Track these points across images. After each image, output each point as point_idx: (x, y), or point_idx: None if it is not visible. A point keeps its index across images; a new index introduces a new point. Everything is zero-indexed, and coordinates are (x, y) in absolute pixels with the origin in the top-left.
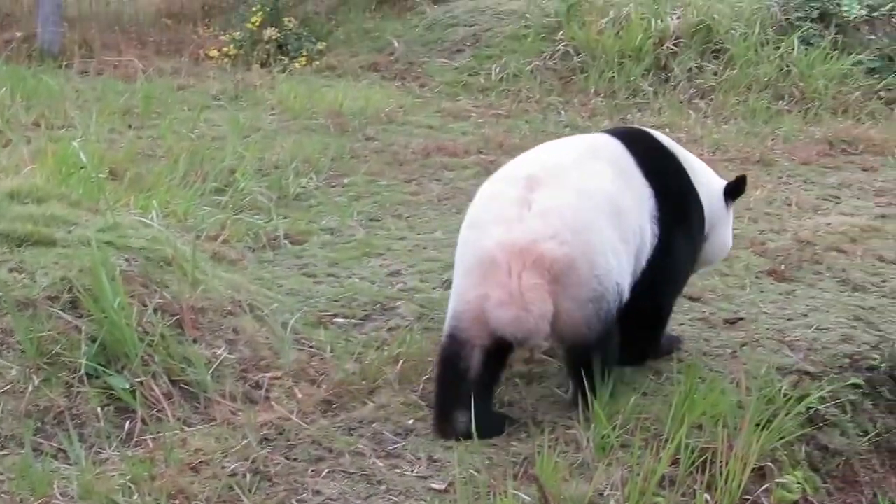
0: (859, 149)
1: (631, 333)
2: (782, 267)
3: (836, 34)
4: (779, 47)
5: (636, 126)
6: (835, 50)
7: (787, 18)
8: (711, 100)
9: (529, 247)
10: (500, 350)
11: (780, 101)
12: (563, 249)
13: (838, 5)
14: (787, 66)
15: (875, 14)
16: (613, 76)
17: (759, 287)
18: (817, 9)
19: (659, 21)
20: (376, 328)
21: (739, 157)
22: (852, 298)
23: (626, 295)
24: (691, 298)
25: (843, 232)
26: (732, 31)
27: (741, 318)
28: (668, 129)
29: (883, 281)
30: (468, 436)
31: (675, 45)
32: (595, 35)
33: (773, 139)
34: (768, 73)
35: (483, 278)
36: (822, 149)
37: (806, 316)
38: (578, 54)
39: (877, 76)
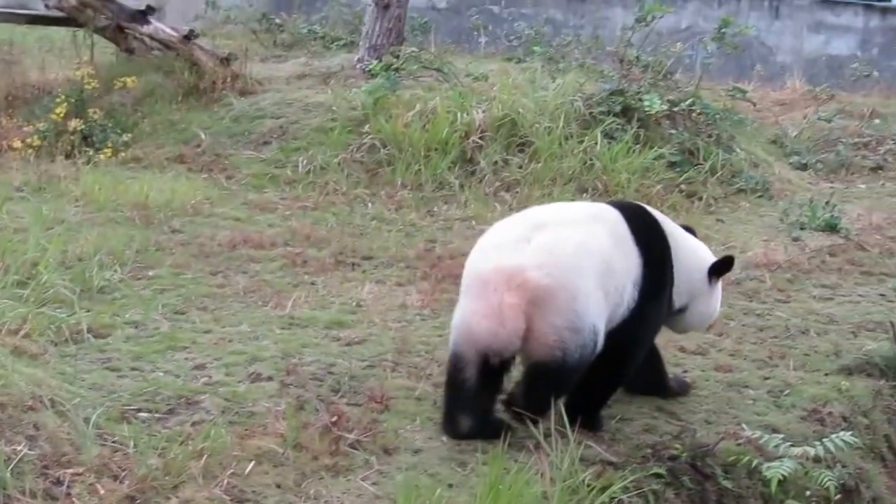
0: None
1: (587, 383)
2: None
3: (638, 128)
4: (583, 141)
5: (636, 202)
6: (637, 144)
7: (591, 113)
8: (517, 192)
9: (517, 272)
10: (488, 364)
11: (585, 194)
12: (545, 279)
13: (640, 100)
14: (591, 160)
15: (676, 109)
16: (420, 169)
17: None
18: (620, 104)
19: (465, 114)
20: (180, 422)
21: None
22: None
23: (601, 341)
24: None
25: None
26: (537, 125)
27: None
28: (473, 222)
29: (684, 372)
30: (470, 437)
31: (480, 138)
32: (402, 128)
33: None
34: (572, 166)
35: (476, 297)
36: None
37: (609, 407)
38: (385, 147)
39: (678, 169)
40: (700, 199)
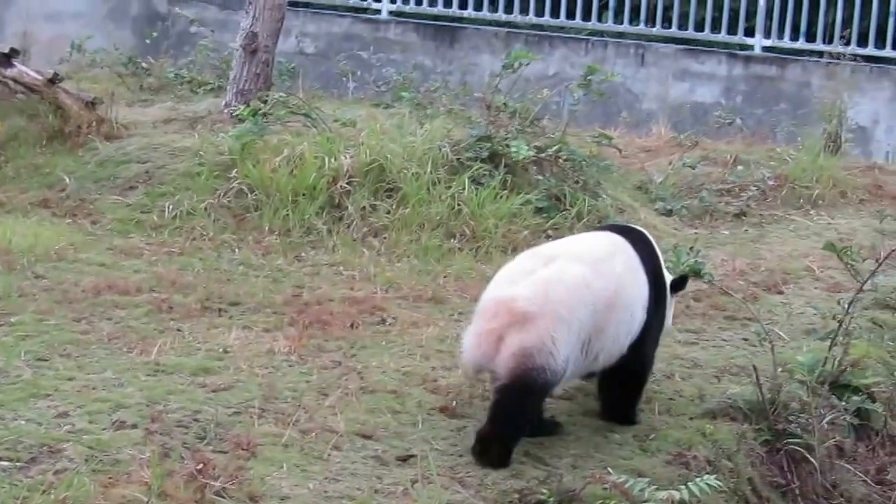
0: None
1: (619, 394)
2: (454, 403)
3: (505, 174)
4: (450, 186)
5: (637, 227)
6: (504, 189)
7: (459, 158)
8: (385, 238)
9: (508, 302)
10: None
11: (452, 240)
12: (529, 307)
13: (507, 146)
14: (459, 205)
15: (542, 155)
16: (288, 214)
17: (430, 423)
18: (488, 150)
19: (333, 160)
20: (42, 471)
21: (412, 295)
22: None
23: (568, 372)
24: (364, 436)
25: None
26: (405, 171)
27: (413, 456)
28: (341, 267)
29: (551, 416)
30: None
31: (348, 183)
32: (269, 173)
33: (445, 277)
34: (440, 211)
35: (474, 322)
36: None
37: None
38: (253, 192)
39: (545, 215)
40: None
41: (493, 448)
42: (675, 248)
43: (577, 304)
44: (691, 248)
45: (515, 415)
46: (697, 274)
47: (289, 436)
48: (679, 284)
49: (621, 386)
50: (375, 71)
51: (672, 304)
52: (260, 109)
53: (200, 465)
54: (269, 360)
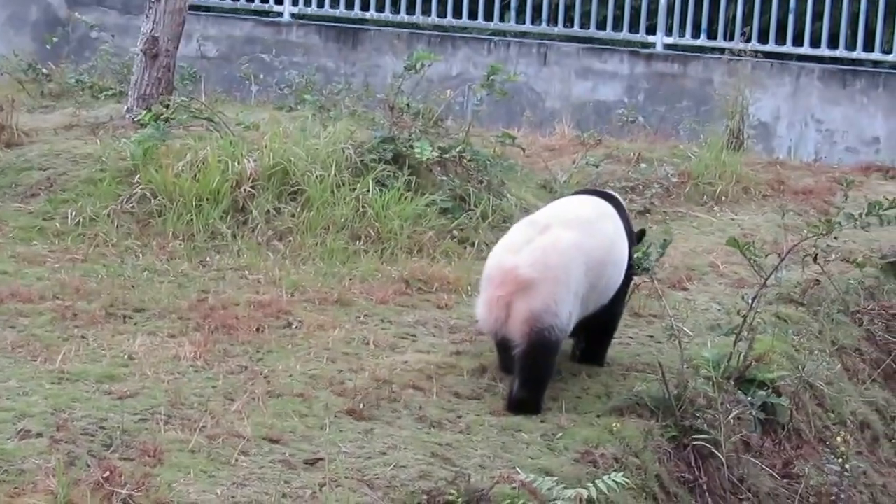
0: (434, 287)
1: (599, 338)
2: (361, 406)
3: (409, 175)
4: (354, 188)
5: (613, 193)
6: (409, 191)
7: (363, 160)
8: (290, 241)
9: (512, 270)
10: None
11: (357, 242)
12: (531, 273)
13: (411, 148)
14: (363, 207)
15: (446, 156)
16: (192, 219)
17: (338, 426)
18: (391, 151)
19: (236, 164)
20: None
21: (318, 298)
22: (429, 435)
23: (571, 325)
24: (271, 440)
25: (419, 370)
26: (309, 174)
27: (321, 459)
28: (246, 271)
29: (458, 417)
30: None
31: (252, 187)
32: (172, 178)
33: (350, 279)
34: (345, 213)
35: (482, 290)
36: (398, 288)
37: (384, 454)
38: (156, 197)
39: (449, 216)
40: (472, 244)
41: (527, 405)
42: None
43: (572, 266)
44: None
45: (538, 373)
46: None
47: (195, 441)
48: (638, 238)
49: (601, 332)
50: (278, 74)
51: None
52: (162, 114)
53: (107, 473)
54: (174, 366)
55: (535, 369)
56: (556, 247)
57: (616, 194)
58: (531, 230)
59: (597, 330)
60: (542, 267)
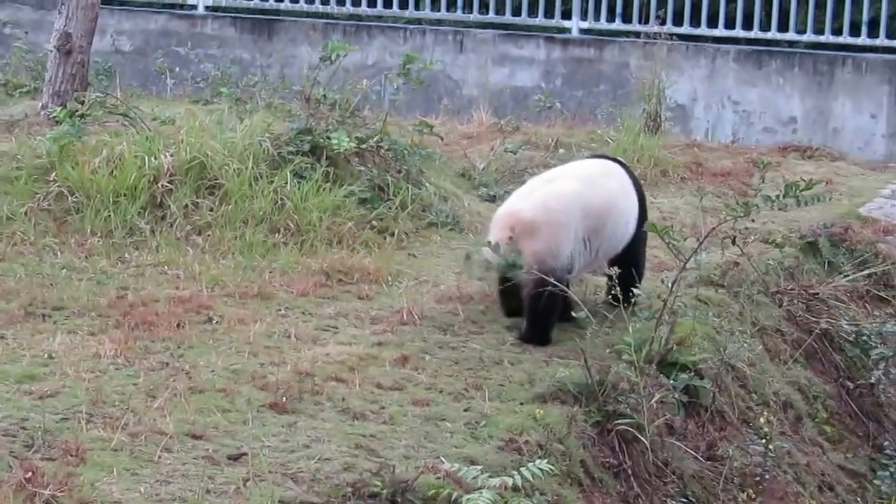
0: (355, 278)
1: (623, 284)
2: (283, 399)
3: (327, 167)
4: (273, 181)
5: (619, 158)
6: (327, 182)
7: (280, 153)
8: (209, 235)
9: (515, 213)
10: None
11: (277, 234)
12: (531, 216)
13: (328, 139)
14: (282, 200)
15: (364, 146)
16: (109, 215)
17: (261, 421)
18: (309, 143)
19: (153, 159)
20: None
21: (238, 292)
22: (353, 427)
23: (578, 265)
24: (194, 436)
25: (341, 361)
26: (226, 167)
27: (244, 454)
28: (166, 267)
29: (381, 408)
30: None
31: (170, 182)
32: (89, 175)
33: (270, 272)
34: (263, 206)
35: (491, 232)
36: (318, 280)
37: (308, 447)
38: (73, 195)
39: (368, 206)
40: (392, 234)
41: (535, 340)
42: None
43: (571, 211)
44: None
45: (545, 309)
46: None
47: (118, 440)
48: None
49: (624, 278)
50: (194, 67)
51: None
52: (77, 111)
53: (29, 474)
54: (95, 364)
55: (541, 306)
56: (557, 194)
57: (622, 160)
58: (539, 182)
59: (621, 276)
60: (543, 210)
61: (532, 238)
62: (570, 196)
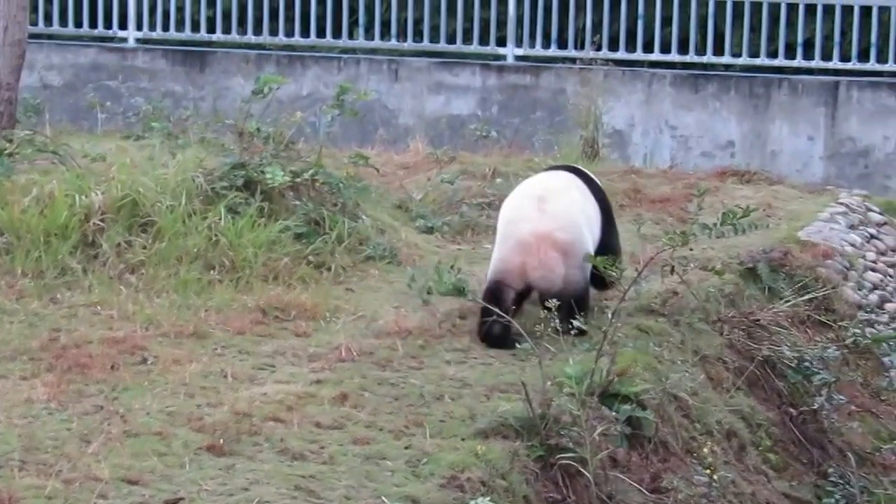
0: (292, 315)
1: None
2: (221, 441)
3: (262, 202)
4: (206, 217)
5: (579, 167)
6: (262, 217)
7: (214, 188)
8: (142, 274)
9: (548, 234)
10: (524, 293)
11: (212, 272)
12: (568, 236)
13: (262, 173)
14: (216, 236)
15: (298, 180)
16: (40, 255)
17: (198, 464)
18: (242, 177)
19: (84, 197)
20: None
21: (173, 332)
22: (292, 468)
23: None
24: (130, 482)
25: (279, 401)
26: (159, 204)
27: (181, 499)
28: (99, 307)
29: (321, 448)
30: (499, 340)
31: (101, 220)
32: (18, 215)
33: (206, 311)
34: (198, 243)
35: (521, 252)
36: (255, 317)
37: (247, 490)
38: (2, 235)
39: (304, 241)
40: (329, 269)
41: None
42: (438, 265)
43: (584, 223)
44: (452, 266)
45: (582, 308)
46: (461, 292)
47: (52, 487)
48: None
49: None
50: (125, 101)
51: None
52: (5, 149)
53: None
54: (27, 409)
55: (579, 306)
56: (569, 210)
57: (582, 168)
58: (533, 201)
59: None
60: (572, 229)
61: (570, 256)
62: (578, 207)
